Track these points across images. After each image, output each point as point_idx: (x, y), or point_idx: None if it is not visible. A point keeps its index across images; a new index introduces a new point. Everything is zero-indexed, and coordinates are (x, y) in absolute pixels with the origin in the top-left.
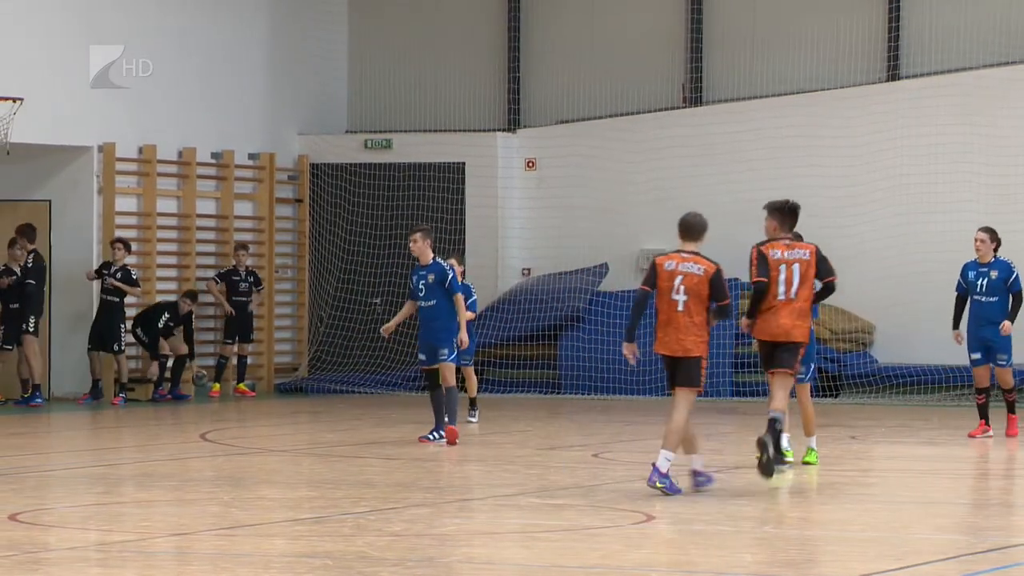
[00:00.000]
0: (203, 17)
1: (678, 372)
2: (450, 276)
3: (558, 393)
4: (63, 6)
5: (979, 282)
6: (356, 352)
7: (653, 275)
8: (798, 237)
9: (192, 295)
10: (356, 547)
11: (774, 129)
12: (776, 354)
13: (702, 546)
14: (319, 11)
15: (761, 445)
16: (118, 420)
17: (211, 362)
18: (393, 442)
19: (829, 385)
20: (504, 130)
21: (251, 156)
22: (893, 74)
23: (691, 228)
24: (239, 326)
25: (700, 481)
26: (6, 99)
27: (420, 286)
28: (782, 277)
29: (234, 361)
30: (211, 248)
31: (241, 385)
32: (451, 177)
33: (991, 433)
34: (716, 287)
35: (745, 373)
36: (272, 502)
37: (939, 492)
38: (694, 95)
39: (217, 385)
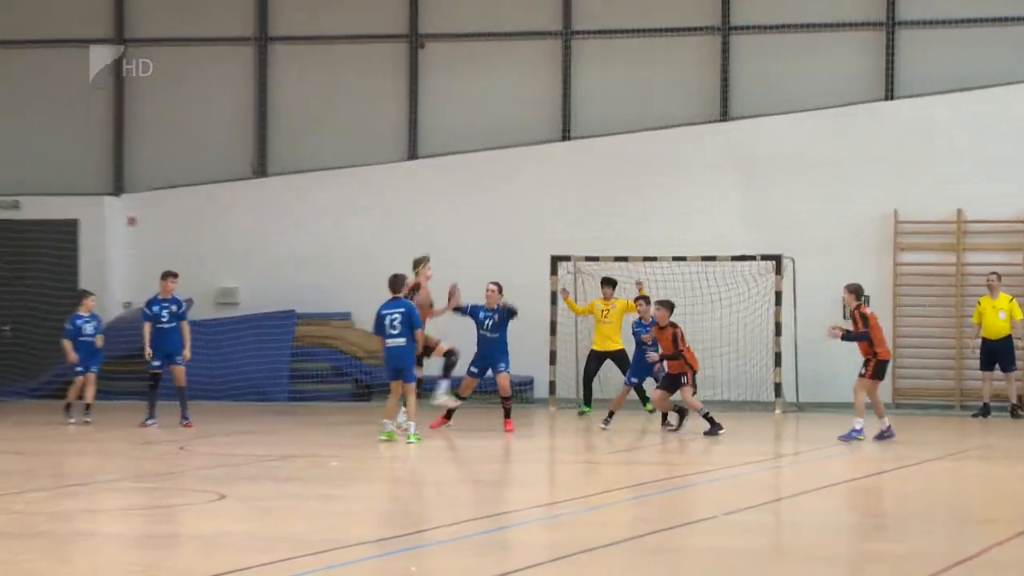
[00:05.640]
0: None
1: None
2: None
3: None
4: None
5: (486, 322)
6: None
7: None
8: None
9: None
10: None
11: (326, 197)
12: None
13: (266, 518)
14: None
15: None
16: None
17: None
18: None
19: (365, 392)
20: (110, 194)
21: None
22: (413, 154)
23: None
24: None
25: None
26: None
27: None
28: None
29: None
30: None
31: None
32: (68, 231)
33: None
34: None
35: (299, 383)
36: None
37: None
38: (261, 167)
39: None
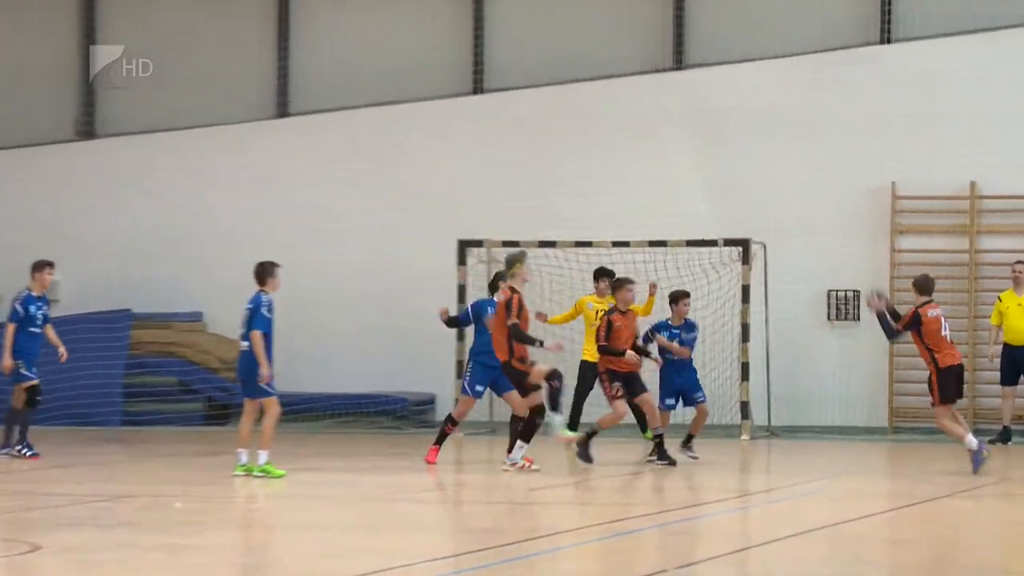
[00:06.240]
0: None
1: None
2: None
3: None
4: None
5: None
6: None
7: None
8: None
9: None
10: None
11: (170, 161)
12: None
13: (93, 574)
14: None
15: None
16: None
17: None
18: None
19: (221, 413)
20: None
21: None
22: (283, 111)
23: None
24: None
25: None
26: None
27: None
28: None
29: None
30: None
31: None
32: None
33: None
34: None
35: (135, 403)
36: None
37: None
38: (88, 127)
39: None
